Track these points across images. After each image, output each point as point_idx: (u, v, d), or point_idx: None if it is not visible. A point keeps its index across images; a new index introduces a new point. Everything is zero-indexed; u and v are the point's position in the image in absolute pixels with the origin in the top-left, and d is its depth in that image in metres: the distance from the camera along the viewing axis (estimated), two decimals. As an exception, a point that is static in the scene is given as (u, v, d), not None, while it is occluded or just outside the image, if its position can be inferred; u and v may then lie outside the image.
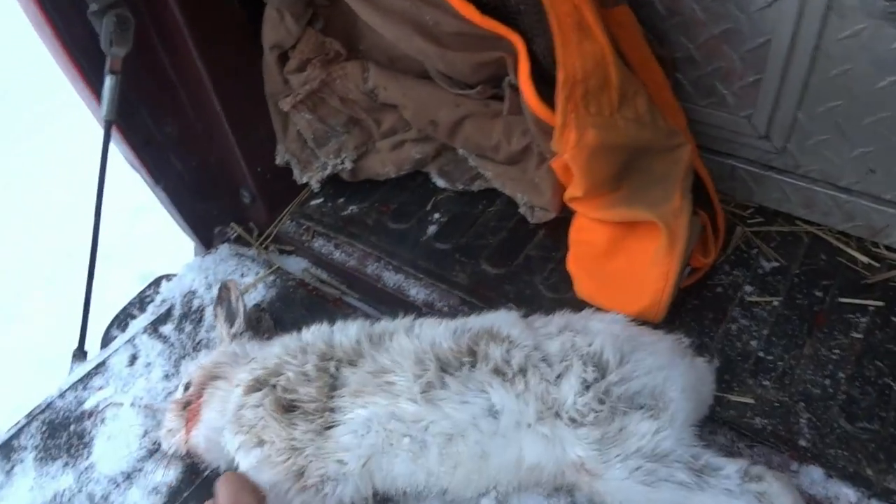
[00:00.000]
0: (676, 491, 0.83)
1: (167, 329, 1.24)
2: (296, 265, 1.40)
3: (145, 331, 1.24)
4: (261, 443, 0.91)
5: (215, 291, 1.29)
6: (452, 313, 1.21)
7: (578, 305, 1.14)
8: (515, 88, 1.07)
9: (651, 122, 1.03)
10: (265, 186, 1.40)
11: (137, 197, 3.79)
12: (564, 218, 1.24)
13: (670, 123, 1.06)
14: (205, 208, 1.41)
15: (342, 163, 1.36)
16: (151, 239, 3.49)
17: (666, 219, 1.02)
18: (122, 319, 1.49)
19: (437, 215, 1.38)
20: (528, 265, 1.26)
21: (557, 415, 0.88)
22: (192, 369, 1.08)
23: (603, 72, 0.96)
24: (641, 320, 1.05)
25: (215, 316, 1.16)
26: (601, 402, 0.87)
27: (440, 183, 1.40)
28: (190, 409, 1.02)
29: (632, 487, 0.84)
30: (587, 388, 0.88)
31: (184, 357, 1.19)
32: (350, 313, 1.24)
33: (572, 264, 1.18)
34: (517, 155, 1.22)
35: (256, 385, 0.95)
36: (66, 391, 1.16)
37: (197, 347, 1.21)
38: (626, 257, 1.12)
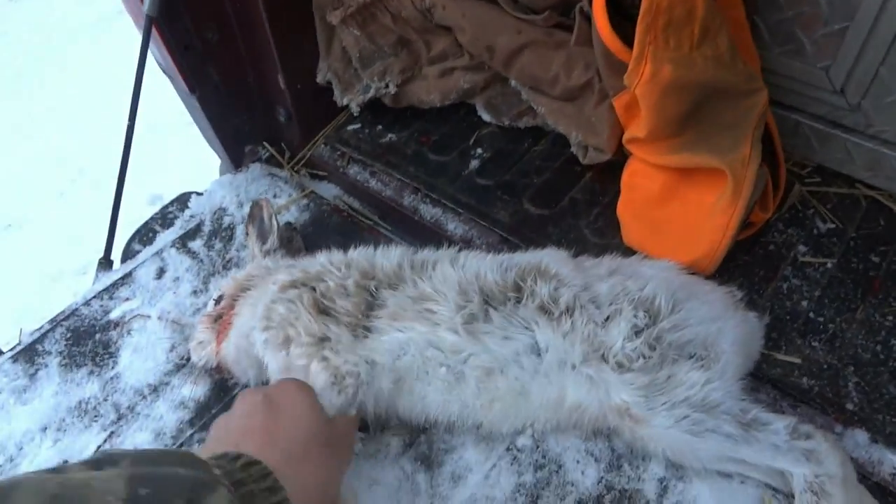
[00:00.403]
0: (723, 442, 0.81)
1: (196, 245, 1.20)
2: (327, 191, 1.35)
3: (173, 245, 1.20)
4: (287, 340, 0.89)
5: (246, 210, 1.25)
6: (491, 251, 1.17)
7: (624, 252, 1.11)
8: (587, 17, 1.00)
9: (730, 63, 0.97)
10: (302, 106, 1.34)
11: (150, 117, 3.69)
12: (615, 162, 1.19)
13: (749, 66, 1.00)
14: (237, 124, 1.35)
15: (386, 86, 1.29)
16: (161, 161, 3.42)
17: (734, 167, 0.97)
18: (143, 234, 1.45)
19: (479, 150, 1.32)
20: (572, 208, 1.21)
21: (604, 358, 0.86)
22: (224, 283, 1.06)
23: (690, 2, 0.90)
24: (691, 271, 1.02)
25: (246, 234, 1.12)
26: (651, 347, 0.85)
27: (486, 117, 1.33)
28: (221, 321, 1.00)
29: (677, 436, 0.82)
30: (637, 333, 0.86)
31: (213, 274, 1.15)
32: (384, 243, 1.20)
33: (622, 209, 1.14)
34: (575, 90, 1.15)
35: (294, 285, 0.92)
36: (91, 299, 1.13)
37: (227, 265, 1.17)
38: (681, 205, 1.08)
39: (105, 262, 1.21)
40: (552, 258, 0.96)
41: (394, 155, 1.33)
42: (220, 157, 1.46)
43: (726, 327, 0.89)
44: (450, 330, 0.87)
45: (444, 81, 1.29)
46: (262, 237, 1.09)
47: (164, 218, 1.46)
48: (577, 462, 0.89)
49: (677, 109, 0.99)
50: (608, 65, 1.01)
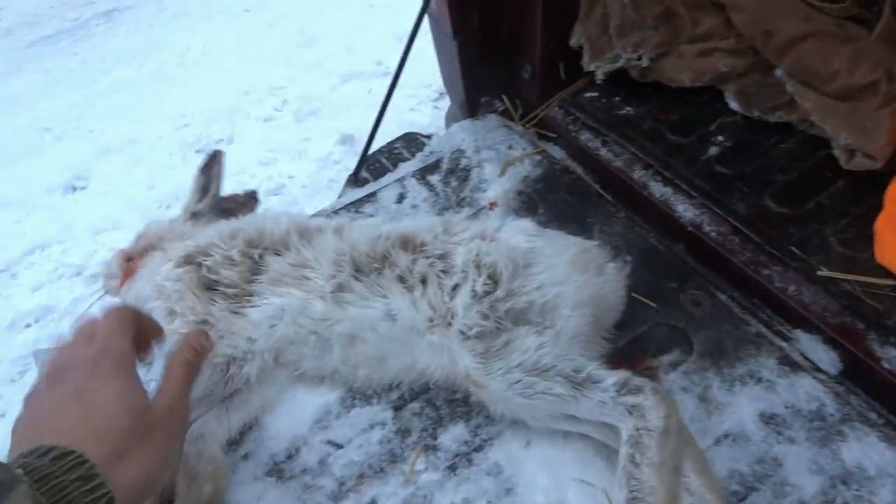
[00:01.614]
0: (553, 403, 0.84)
1: (434, 179, 1.29)
2: (555, 153, 1.39)
3: (414, 175, 1.30)
4: (172, 313, 0.97)
5: (483, 155, 1.31)
6: (720, 240, 1.15)
7: (874, 269, 1.04)
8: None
9: None
10: (549, 66, 1.37)
11: (352, 66, 3.91)
12: (877, 173, 1.11)
13: None
14: (483, 74, 1.41)
15: (638, 58, 1.29)
16: (351, 105, 3.64)
17: None
18: (371, 163, 1.57)
19: (720, 137, 1.29)
20: (819, 212, 1.15)
21: (449, 325, 0.89)
22: (150, 230, 1.14)
23: None
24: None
25: (193, 181, 1.19)
26: (486, 316, 0.87)
27: (733, 105, 1.29)
28: (130, 264, 1.09)
29: (511, 399, 0.86)
30: (477, 300, 0.89)
31: (447, 208, 1.24)
32: (613, 213, 1.22)
33: (883, 224, 1.06)
34: (855, 90, 1.09)
35: (185, 261, 1.00)
36: (339, 209, 1.25)
37: (460, 203, 1.24)
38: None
39: (354, 179, 1.34)
40: (422, 227, 1.00)
41: (629, 128, 1.33)
42: (453, 101, 1.54)
43: (567, 291, 0.90)
44: (319, 297, 0.93)
45: (701, 62, 1.26)
46: (201, 191, 1.15)
47: (389, 152, 1.58)
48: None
49: None
50: (916, 66, 0.94)
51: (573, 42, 1.34)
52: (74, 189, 3.29)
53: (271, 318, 0.94)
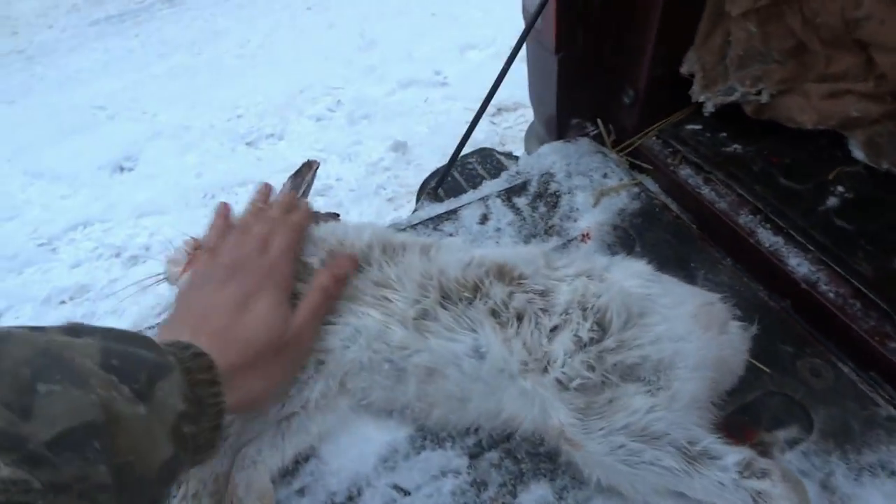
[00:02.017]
0: (661, 476, 0.73)
1: (521, 201, 1.19)
2: (649, 186, 1.28)
3: (499, 195, 1.20)
4: None
5: (575, 181, 1.21)
6: (839, 303, 1.02)
7: None
8: None
9: None
10: (653, 92, 1.27)
11: (403, 71, 3.86)
12: None
13: None
14: (581, 94, 1.31)
15: (757, 94, 1.18)
16: (407, 110, 3.58)
17: None
18: (441, 177, 1.48)
19: (839, 188, 1.17)
20: (956, 284, 1.02)
21: (545, 371, 0.78)
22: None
23: None
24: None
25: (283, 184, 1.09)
26: (591, 368, 0.76)
27: (858, 154, 1.17)
28: (198, 251, 0.97)
29: (611, 465, 0.74)
30: (581, 348, 0.77)
31: (534, 235, 1.13)
32: (718, 259, 1.10)
33: None
34: None
35: None
36: (416, 224, 1.16)
37: (549, 231, 1.14)
38: None
39: (434, 193, 1.24)
40: (521, 258, 0.88)
41: (737, 167, 1.22)
42: (539, 119, 1.45)
43: (687, 349, 0.78)
44: (400, 323, 0.82)
45: (830, 104, 1.15)
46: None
47: (462, 167, 1.49)
48: None
49: None
50: None
51: (684, 70, 1.23)
52: (122, 169, 3.27)
53: (345, 339, 0.84)
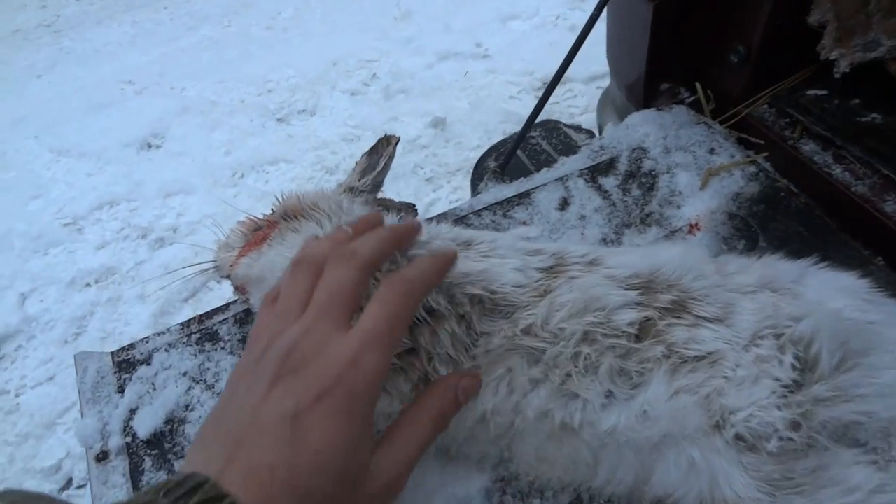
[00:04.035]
0: None
1: (608, 182, 0.98)
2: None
3: (580, 175, 0.98)
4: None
5: (675, 158, 1.00)
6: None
7: None
8: None
9: None
10: (770, 48, 1.03)
11: (442, 43, 3.64)
12: None
13: None
14: (674, 53, 1.09)
15: (912, 48, 0.94)
16: (446, 84, 3.36)
17: None
18: (501, 151, 1.27)
19: None
20: None
21: (718, 427, 0.54)
22: (287, 196, 0.83)
23: None
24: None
25: (360, 158, 0.89)
26: (795, 425, 0.52)
27: None
28: (257, 233, 0.79)
29: None
30: (780, 394, 0.54)
31: (627, 225, 0.92)
32: (868, 259, 0.88)
33: None
34: None
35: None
36: (480, 210, 0.96)
37: (645, 220, 0.93)
38: None
39: (500, 173, 1.04)
40: (679, 264, 0.63)
41: (879, 141, 0.98)
42: (619, 83, 1.22)
43: None
44: (544, 380, 0.60)
45: None
46: (366, 172, 0.86)
47: (524, 140, 1.27)
48: None
49: None
50: None
51: (813, 19, 1.00)
52: (149, 146, 3.14)
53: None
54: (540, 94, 3.37)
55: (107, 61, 3.81)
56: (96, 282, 2.51)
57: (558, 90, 3.39)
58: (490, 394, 0.61)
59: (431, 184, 2.75)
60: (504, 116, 3.02)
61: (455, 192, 2.66)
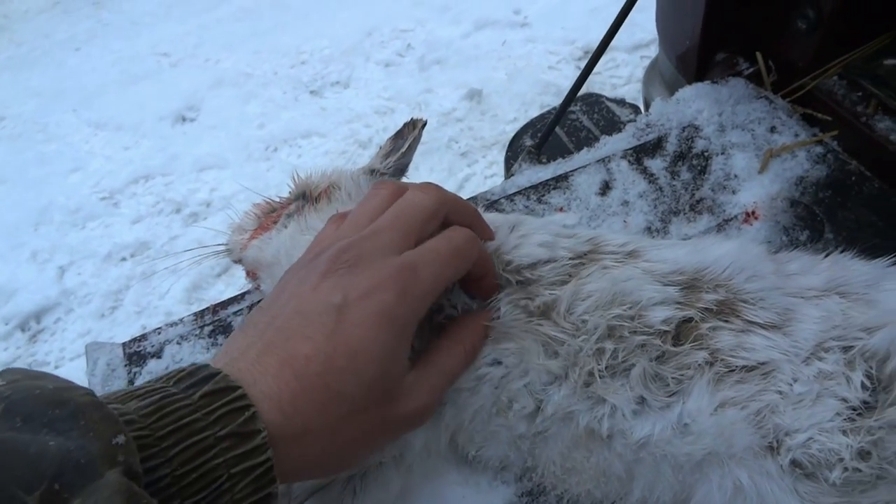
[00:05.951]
0: None
1: (655, 165, 0.89)
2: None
3: (624, 156, 0.90)
4: None
5: (731, 137, 0.90)
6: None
7: None
8: None
9: None
10: (843, 13, 0.91)
11: (479, 10, 3.51)
12: None
13: None
14: (735, 17, 0.98)
15: None
16: (482, 54, 3.25)
17: None
18: (538, 128, 1.19)
19: None
20: None
21: (772, 449, 0.47)
22: (304, 176, 0.79)
23: None
24: None
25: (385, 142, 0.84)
26: (864, 454, 0.44)
27: None
28: (270, 215, 0.76)
29: None
30: (847, 417, 0.46)
31: (675, 213, 0.83)
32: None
33: None
34: None
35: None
36: (513, 194, 0.88)
37: (696, 207, 0.84)
38: None
39: (536, 153, 0.96)
40: (730, 261, 0.55)
41: (970, 119, 0.87)
42: (668, 52, 1.12)
43: None
44: (563, 376, 0.55)
45: None
46: (389, 154, 0.81)
47: (563, 116, 1.18)
48: None
49: None
50: None
51: (898, -23, 0.88)
52: (184, 120, 3.13)
53: (477, 378, 0.57)
54: (580, 64, 3.21)
55: (144, 32, 3.81)
56: (132, 256, 2.54)
57: (601, 60, 3.25)
58: (500, 362, 0.56)
59: (466, 158, 2.67)
60: (542, 88, 2.90)
61: (490, 168, 2.57)
